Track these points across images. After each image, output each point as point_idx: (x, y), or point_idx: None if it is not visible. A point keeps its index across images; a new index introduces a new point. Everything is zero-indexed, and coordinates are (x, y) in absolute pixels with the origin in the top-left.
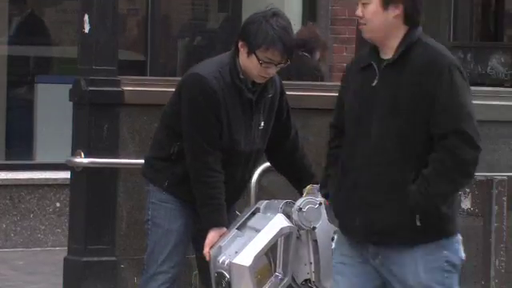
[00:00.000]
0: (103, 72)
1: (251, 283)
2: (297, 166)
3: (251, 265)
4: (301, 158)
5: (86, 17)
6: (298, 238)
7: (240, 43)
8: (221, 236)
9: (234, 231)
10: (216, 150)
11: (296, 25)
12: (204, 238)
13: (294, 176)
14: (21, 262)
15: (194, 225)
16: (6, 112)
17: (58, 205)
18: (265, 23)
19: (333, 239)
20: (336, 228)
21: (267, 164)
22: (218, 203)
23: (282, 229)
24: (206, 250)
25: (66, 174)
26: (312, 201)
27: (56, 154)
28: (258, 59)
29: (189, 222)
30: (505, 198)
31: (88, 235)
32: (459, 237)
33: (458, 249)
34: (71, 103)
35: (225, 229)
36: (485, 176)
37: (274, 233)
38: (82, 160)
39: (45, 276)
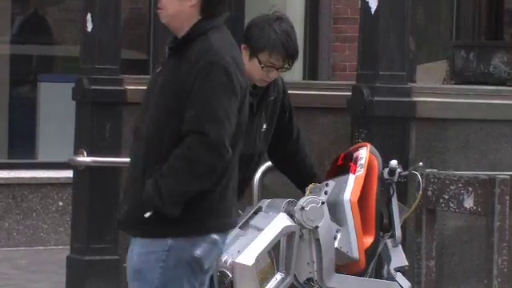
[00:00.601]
0: (106, 71)
1: (254, 282)
2: (299, 167)
3: (254, 264)
4: (303, 158)
5: (89, 16)
6: (301, 236)
7: (243, 46)
8: None
9: (236, 230)
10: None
11: (299, 23)
12: None
13: (295, 176)
14: (23, 260)
15: None
16: (8, 111)
17: (60, 204)
18: (268, 27)
19: (335, 238)
20: (339, 227)
21: (269, 163)
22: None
23: (284, 228)
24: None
25: (69, 173)
26: (314, 200)
27: (58, 153)
28: (260, 63)
29: None
30: (507, 197)
31: (90, 234)
32: (209, 240)
33: (193, 252)
34: (74, 102)
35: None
36: (487, 175)
37: (277, 232)
38: (85, 159)
39: (47, 275)
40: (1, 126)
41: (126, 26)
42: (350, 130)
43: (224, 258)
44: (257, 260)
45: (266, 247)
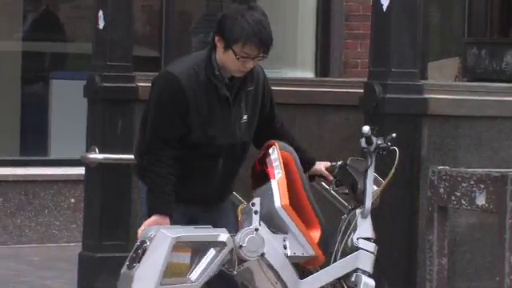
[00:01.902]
0: (118, 68)
1: (164, 256)
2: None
3: (175, 237)
4: (294, 143)
5: (101, 13)
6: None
7: (216, 38)
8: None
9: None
10: (170, 147)
11: (311, 21)
12: None
13: None
14: (36, 257)
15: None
16: (20, 108)
17: (72, 201)
18: (240, 18)
19: (285, 247)
20: (285, 234)
21: None
22: (161, 191)
23: (219, 236)
24: (140, 228)
25: (81, 170)
26: (248, 231)
27: (70, 150)
28: (235, 54)
29: (179, 216)
30: None
31: (102, 231)
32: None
33: None
34: (86, 99)
35: (167, 217)
36: (499, 172)
37: (211, 233)
38: (97, 156)
39: (59, 272)
40: (13, 123)
41: (138, 22)
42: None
43: (151, 232)
44: (180, 239)
45: (194, 237)
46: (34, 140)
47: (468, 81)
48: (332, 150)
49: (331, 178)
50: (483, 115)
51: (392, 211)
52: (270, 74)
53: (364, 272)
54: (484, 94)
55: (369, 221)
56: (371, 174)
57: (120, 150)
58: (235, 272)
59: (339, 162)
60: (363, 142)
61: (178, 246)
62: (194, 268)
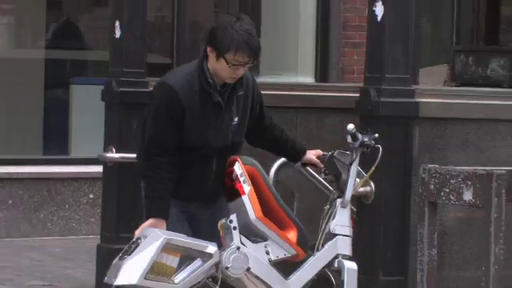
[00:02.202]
0: (133, 74)
1: (153, 253)
2: (279, 143)
3: (167, 238)
4: (285, 137)
5: (117, 23)
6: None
7: (208, 48)
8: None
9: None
10: (167, 153)
11: (311, 31)
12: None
13: (280, 150)
14: (57, 249)
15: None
16: (43, 111)
17: (91, 196)
18: (230, 28)
19: (268, 253)
20: (266, 242)
21: (283, 159)
22: (158, 196)
23: (207, 248)
24: (137, 230)
25: (99, 168)
26: (231, 251)
27: (89, 150)
28: (227, 62)
29: (179, 213)
30: (504, 191)
31: (119, 224)
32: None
33: None
34: (103, 103)
35: (163, 221)
36: (485, 170)
37: (201, 243)
38: (114, 155)
39: (79, 262)
40: (36, 125)
41: (152, 32)
42: (359, 128)
43: (147, 232)
44: (171, 242)
45: (187, 242)
46: (55, 140)
47: (456, 86)
48: (330, 149)
49: (321, 165)
50: (470, 118)
51: (386, 206)
52: (273, 79)
53: (344, 256)
54: (471, 97)
55: (347, 211)
56: (355, 167)
57: (135, 150)
58: (217, 287)
59: (329, 153)
60: (349, 138)
61: (169, 247)
62: (179, 272)
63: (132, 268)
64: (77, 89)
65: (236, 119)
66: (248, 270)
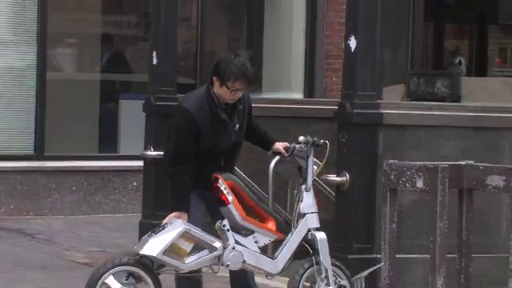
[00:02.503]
0: (166, 92)
1: (173, 237)
2: (261, 136)
3: (186, 228)
4: (263, 133)
5: (155, 53)
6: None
7: (214, 78)
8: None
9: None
10: (188, 161)
11: (300, 59)
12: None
13: (261, 141)
14: (109, 224)
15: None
16: (98, 119)
17: (134, 184)
18: (230, 62)
19: (257, 242)
20: (254, 234)
21: (279, 157)
22: (181, 195)
23: (214, 243)
24: (164, 220)
25: (140, 163)
26: (229, 250)
27: (133, 149)
28: (228, 88)
29: (197, 197)
30: (447, 180)
31: (155, 205)
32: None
33: None
34: (144, 113)
35: (185, 214)
36: (433, 164)
37: (211, 238)
38: (151, 153)
39: (126, 233)
40: (94, 130)
41: (180, 59)
42: (337, 134)
43: (174, 221)
44: (190, 229)
45: (199, 233)
46: (108, 142)
47: (410, 100)
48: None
49: (285, 154)
50: (421, 124)
51: (358, 192)
52: (272, 95)
53: (315, 229)
54: (422, 109)
55: (311, 194)
56: (311, 159)
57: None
58: (216, 272)
59: (292, 145)
60: (302, 138)
61: (186, 235)
62: (190, 256)
63: (155, 244)
64: (124, 103)
65: (237, 126)
66: (244, 262)
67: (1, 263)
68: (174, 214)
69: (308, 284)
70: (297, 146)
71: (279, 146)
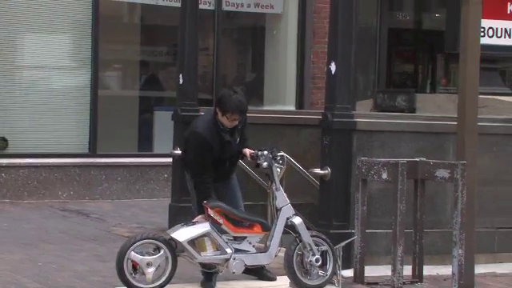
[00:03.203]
0: (189, 105)
1: (198, 232)
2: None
3: (209, 229)
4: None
5: (181, 75)
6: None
7: (218, 108)
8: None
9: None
10: (208, 170)
11: (292, 80)
12: None
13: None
14: (146, 206)
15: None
16: (138, 126)
17: (165, 175)
18: (228, 98)
19: (250, 243)
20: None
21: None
22: (208, 193)
23: (227, 249)
24: (196, 218)
25: (169, 159)
26: (231, 261)
27: (164, 148)
28: (227, 118)
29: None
30: (405, 173)
31: (182, 192)
32: None
33: None
34: (173, 121)
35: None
36: (395, 160)
37: (225, 244)
38: (178, 152)
39: (159, 213)
40: (134, 134)
41: (200, 80)
42: (321, 137)
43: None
44: (211, 233)
45: (217, 238)
46: (145, 142)
47: (377, 112)
48: (305, 149)
49: (249, 158)
50: (385, 130)
51: (337, 182)
52: (270, 107)
53: (292, 216)
54: (386, 118)
55: (281, 191)
56: (275, 169)
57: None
58: (220, 272)
59: (259, 152)
60: (265, 152)
61: (209, 236)
62: (208, 252)
63: (183, 233)
64: (157, 113)
65: (238, 140)
66: (245, 265)
67: (64, 236)
68: (201, 216)
69: (300, 252)
70: (259, 152)
71: (246, 151)
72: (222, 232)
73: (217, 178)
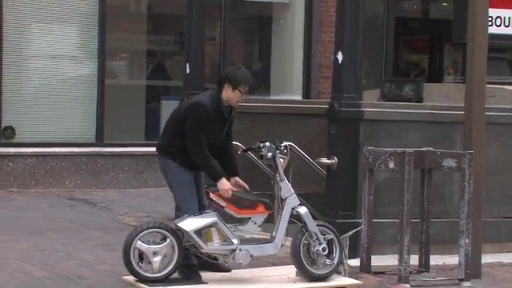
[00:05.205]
0: (195, 94)
1: (206, 222)
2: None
3: (217, 220)
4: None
5: (188, 65)
6: None
7: (226, 85)
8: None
9: None
10: (205, 145)
11: (299, 69)
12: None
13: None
14: (153, 195)
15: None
16: (145, 115)
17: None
18: (238, 71)
19: (255, 223)
20: (251, 219)
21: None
22: (214, 165)
23: (234, 240)
24: (229, 192)
25: None
26: (237, 252)
27: None
28: (240, 92)
29: (191, 178)
30: (412, 162)
31: None
32: None
33: None
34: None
35: (223, 178)
36: (402, 150)
37: (232, 234)
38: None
39: (166, 202)
40: (141, 123)
41: (207, 69)
42: (327, 126)
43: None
44: (218, 224)
45: (223, 229)
46: (151, 132)
47: (384, 101)
48: (311, 138)
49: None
50: (393, 119)
51: (344, 171)
52: (277, 96)
53: (297, 206)
54: (393, 108)
55: (285, 181)
56: (279, 159)
57: None
58: (226, 263)
59: (261, 144)
60: (268, 143)
61: (216, 226)
62: (214, 243)
63: (190, 223)
64: (164, 103)
65: (226, 129)
66: (251, 256)
67: (71, 225)
68: (222, 181)
69: (306, 242)
70: (261, 144)
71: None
72: (225, 215)
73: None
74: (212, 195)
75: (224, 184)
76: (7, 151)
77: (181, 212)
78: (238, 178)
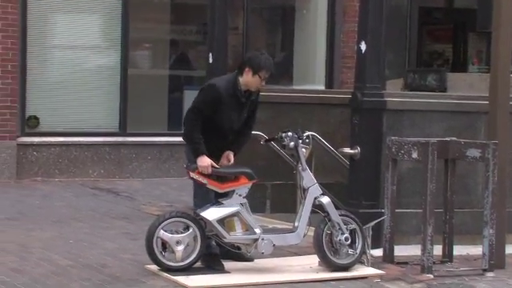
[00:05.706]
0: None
1: (227, 212)
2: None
3: (239, 209)
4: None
5: (210, 55)
6: None
7: (246, 69)
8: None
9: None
10: (200, 118)
11: (323, 59)
12: None
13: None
14: (176, 185)
15: None
16: (167, 105)
17: None
18: (260, 57)
19: (240, 195)
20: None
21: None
22: (197, 141)
23: (256, 229)
24: (209, 169)
25: None
26: (260, 242)
27: None
28: (260, 77)
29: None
30: (435, 152)
31: None
32: None
33: None
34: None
35: (204, 155)
36: (425, 140)
37: (254, 223)
38: None
39: (188, 192)
40: (164, 113)
41: (230, 59)
42: (350, 116)
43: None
44: (241, 213)
45: (246, 218)
46: (174, 122)
47: (408, 91)
48: (334, 128)
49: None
50: (416, 109)
51: (367, 161)
52: (299, 86)
53: (320, 195)
54: (416, 98)
55: (307, 171)
56: (301, 149)
57: None
58: (249, 253)
59: (283, 134)
60: (289, 133)
61: (239, 216)
62: (236, 233)
63: (213, 212)
64: (187, 92)
65: (245, 114)
66: (274, 245)
67: (94, 214)
68: (201, 158)
69: (329, 231)
70: (283, 134)
71: (226, 154)
72: (209, 191)
73: (218, 151)
74: (192, 174)
75: (203, 161)
76: (31, 140)
77: (197, 199)
78: (230, 152)
